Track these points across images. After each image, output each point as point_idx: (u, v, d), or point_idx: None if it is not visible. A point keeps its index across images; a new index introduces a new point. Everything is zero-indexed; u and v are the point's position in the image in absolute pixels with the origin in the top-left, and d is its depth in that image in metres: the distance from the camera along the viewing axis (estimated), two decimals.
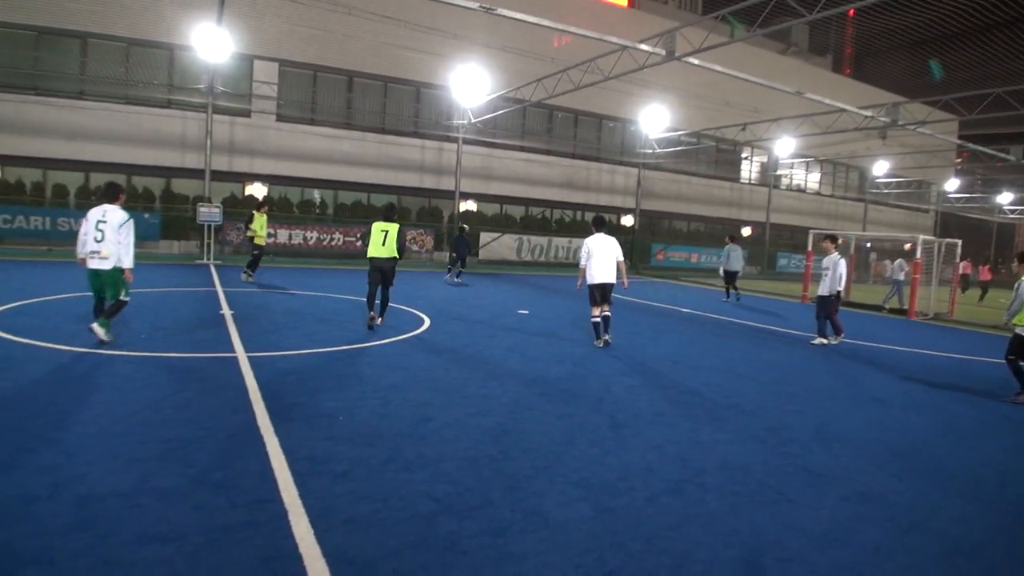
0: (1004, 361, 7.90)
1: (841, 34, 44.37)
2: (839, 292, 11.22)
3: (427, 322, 10.59)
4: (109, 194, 7.54)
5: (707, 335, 11.63)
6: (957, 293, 19.37)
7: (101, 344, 7.24)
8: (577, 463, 4.64)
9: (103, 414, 4.98)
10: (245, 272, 14.43)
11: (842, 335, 11.39)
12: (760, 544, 3.59)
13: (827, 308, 11.21)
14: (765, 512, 4.02)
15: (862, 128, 25.07)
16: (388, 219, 9.83)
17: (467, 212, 27.82)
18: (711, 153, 34.75)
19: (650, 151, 31.31)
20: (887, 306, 18.43)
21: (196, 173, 22.20)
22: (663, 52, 17.20)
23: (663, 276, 28.10)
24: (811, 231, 20.12)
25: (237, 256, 20.99)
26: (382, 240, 9.65)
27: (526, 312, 12.86)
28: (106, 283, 7.38)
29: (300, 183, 24.88)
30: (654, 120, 26.77)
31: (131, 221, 7.46)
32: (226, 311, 10.39)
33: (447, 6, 15.47)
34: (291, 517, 3.49)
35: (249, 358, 7.16)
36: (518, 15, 15.72)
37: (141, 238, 7.79)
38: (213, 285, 13.81)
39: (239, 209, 21.97)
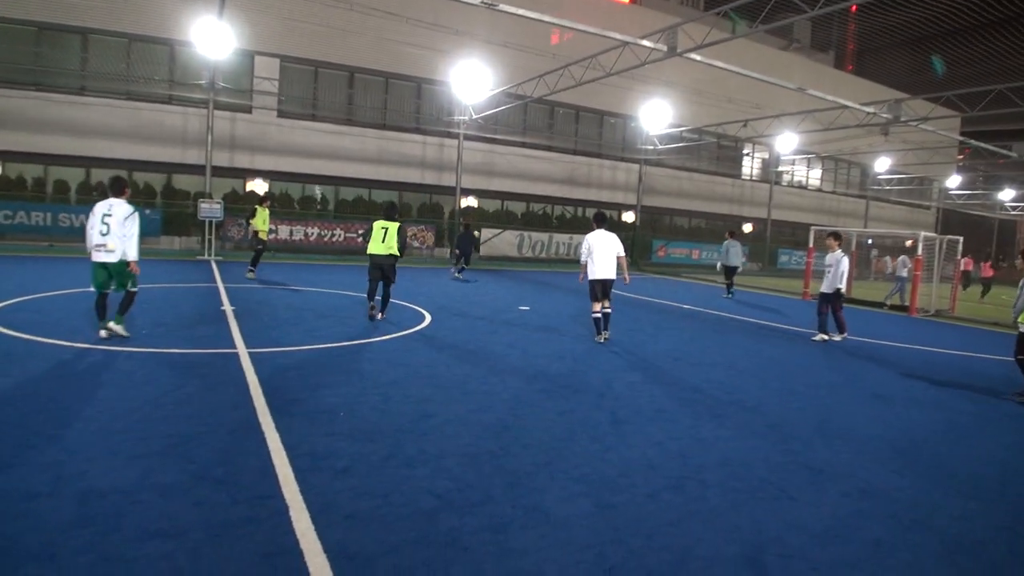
0: (1007, 359, 7.89)
1: (843, 30, 44.26)
2: (839, 289, 11.22)
3: (428, 318, 10.59)
4: (115, 188, 7.59)
5: (708, 331, 11.62)
6: (958, 290, 19.34)
7: (120, 340, 7.32)
8: (578, 459, 4.64)
9: (104, 410, 4.99)
10: (250, 270, 14.44)
11: (845, 333, 11.40)
12: (761, 541, 3.59)
13: (829, 304, 11.25)
14: (766, 509, 4.02)
15: (864, 124, 25.03)
16: (389, 218, 9.99)
17: (468, 208, 27.81)
18: (712, 149, 34.70)
19: (651, 147, 31.26)
20: (888, 303, 18.41)
21: (197, 169, 22.20)
22: (665, 48, 17.16)
23: (664, 272, 28.08)
24: (812, 227, 20.10)
25: (238, 252, 21.01)
26: (382, 237, 9.81)
27: (527, 308, 12.86)
28: (113, 276, 7.46)
29: (301, 179, 24.87)
30: (655, 116, 26.70)
31: (136, 214, 7.51)
32: (227, 307, 10.40)
33: (449, 2, 15.49)
34: (292, 513, 3.50)
35: (250, 354, 7.16)
36: (519, 11, 15.69)
37: (142, 234, 7.82)
38: (214, 281, 13.81)
39: (240, 205, 21.97)
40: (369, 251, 9.88)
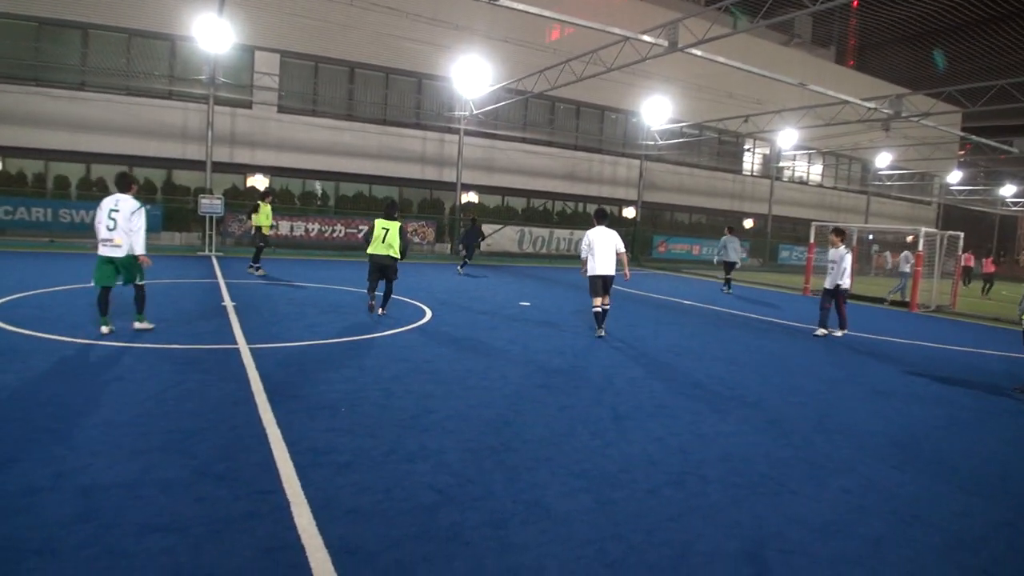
0: (1009, 354, 7.90)
1: (844, 25, 44.10)
2: (839, 285, 11.23)
3: (428, 314, 10.60)
4: (121, 184, 7.67)
5: (709, 327, 11.63)
6: (959, 286, 19.33)
7: (119, 336, 7.35)
8: (579, 455, 4.65)
9: (105, 405, 4.99)
10: (255, 267, 14.43)
11: (846, 329, 11.40)
12: (761, 536, 3.60)
13: (833, 300, 11.28)
14: (767, 504, 4.03)
15: (865, 120, 24.99)
16: (389, 216, 10.12)
17: (469, 204, 27.79)
18: (713, 145, 34.64)
19: (652, 143, 31.22)
20: (890, 298, 18.39)
21: (197, 164, 22.17)
22: (665, 43, 17.13)
23: (665, 268, 28.07)
24: (813, 223, 20.08)
25: (239, 248, 21.01)
26: (383, 238, 9.92)
27: (528, 304, 12.86)
28: (120, 270, 7.52)
29: (301, 175, 24.85)
30: (656, 112, 26.69)
31: (142, 209, 7.58)
32: (228, 303, 10.40)
33: None
34: (293, 508, 3.50)
35: (251, 350, 7.17)
36: (520, 5, 15.66)
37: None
38: (215, 277, 13.81)
39: (240, 201, 21.96)
40: (369, 251, 9.98)
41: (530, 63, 24.35)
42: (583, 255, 9.66)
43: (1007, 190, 42.00)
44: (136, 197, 7.63)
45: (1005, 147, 30.48)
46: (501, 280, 17.71)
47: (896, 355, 10.03)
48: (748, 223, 37.42)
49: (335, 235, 23.28)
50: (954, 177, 41.56)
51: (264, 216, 14.57)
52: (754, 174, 37.86)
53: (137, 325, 7.74)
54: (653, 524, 3.65)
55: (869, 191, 42.51)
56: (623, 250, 9.59)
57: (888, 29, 38.93)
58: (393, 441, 4.65)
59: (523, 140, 28.87)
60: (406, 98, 26.45)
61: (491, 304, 12.52)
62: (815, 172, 41.16)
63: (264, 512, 3.45)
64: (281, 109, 24.02)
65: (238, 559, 2.98)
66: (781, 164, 38.14)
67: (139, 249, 7.46)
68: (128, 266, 7.52)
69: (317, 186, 25.52)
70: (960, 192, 44.23)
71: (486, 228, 25.99)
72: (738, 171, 37.07)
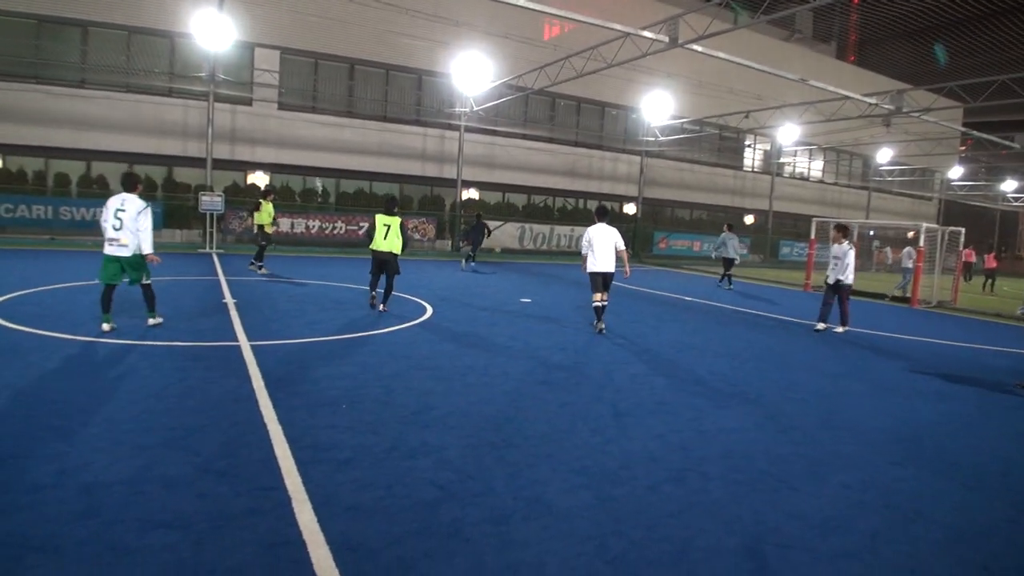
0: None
1: (845, 21, 43.97)
2: (840, 280, 11.23)
3: (429, 310, 10.60)
4: (127, 183, 7.71)
5: (710, 323, 11.63)
6: (960, 281, 19.31)
7: (119, 334, 7.37)
8: (579, 451, 4.65)
9: (107, 402, 5.00)
10: (258, 265, 14.43)
11: (848, 326, 11.40)
12: (761, 531, 3.60)
13: (836, 295, 11.29)
14: (767, 500, 4.04)
15: (866, 115, 24.93)
16: (389, 212, 10.19)
17: (470, 200, 27.78)
18: (714, 141, 34.60)
19: (653, 139, 31.19)
20: (896, 293, 18.36)
21: (198, 162, 22.17)
22: (666, 39, 17.10)
23: (665, 264, 28.07)
24: (814, 219, 20.06)
25: (239, 245, 21.02)
26: (384, 234, 10.03)
27: (528, 300, 12.86)
28: (127, 269, 7.58)
29: (302, 171, 24.85)
30: (657, 108, 26.67)
31: (148, 209, 7.62)
32: (229, 300, 10.41)
33: None
34: (295, 504, 3.51)
35: (252, 347, 7.18)
36: (520, 1, 15.63)
37: None
38: (216, 274, 13.83)
39: (241, 198, 21.99)
40: (372, 247, 10.10)
41: (530, 59, 24.31)
42: (584, 252, 9.73)
43: (1008, 185, 41.92)
44: (141, 196, 7.67)
45: (1006, 142, 30.44)
46: (502, 276, 17.71)
47: (897, 351, 10.03)
48: (749, 219, 37.40)
49: (336, 232, 23.29)
50: (955, 173, 41.49)
51: (266, 214, 14.56)
52: (755, 170, 37.82)
53: (151, 321, 7.87)
54: (654, 520, 3.65)
55: (870, 187, 42.46)
56: (623, 248, 9.62)
57: (889, 24, 38.82)
58: (394, 438, 4.66)
59: (524, 136, 28.85)
60: (406, 94, 26.43)
61: (492, 300, 12.52)
62: (816, 168, 41.11)
63: (266, 508, 3.46)
64: (281, 106, 24.00)
65: (240, 555, 2.99)
66: (782, 160, 38.10)
67: (147, 249, 7.54)
68: (134, 266, 7.56)
69: (318, 183, 25.52)
70: (961, 188, 44.16)
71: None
72: (739, 167, 37.04)
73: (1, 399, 4.94)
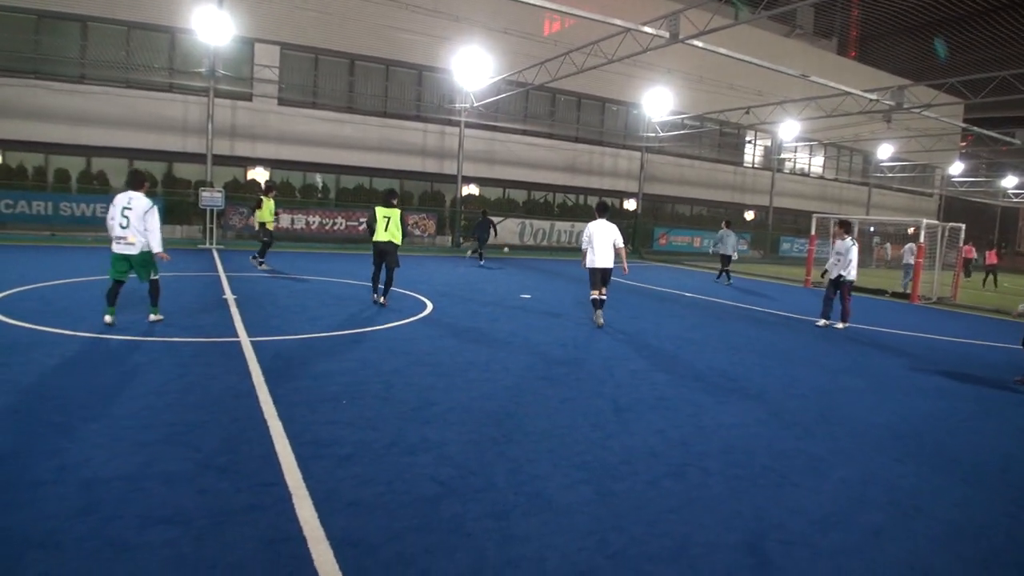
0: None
1: (846, 16, 43.88)
2: (841, 275, 11.23)
3: (430, 306, 10.60)
4: (134, 182, 7.76)
5: (710, 319, 11.62)
6: (961, 277, 19.30)
7: (119, 330, 7.37)
8: (580, 447, 4.65)
9: (107, 399, 5.00)
10: (259, 261, 14.41)
11: (848, 322, 11.40)
12: (762, 527, 3.61)
13: (837, 291, 11.30)
14: (767, 495, 4.04)
15: (867, 111, 24.93)
16: (388, 204, 10.29)
17: (470, 196, 27.75)
18: (714, 137, 34.55)
19: (653, 135, 31.14)
20: (902, 290, 18.35)
21: (198, 157, 22.14)
22: (667, 34, 17.06)
23: (666, 260, 28.06)
24: (814, 215, 20.04)
25: (239, 241, 21.01)
26: (384, 226, 10.12)
27: (529, 296, 12.85)
28: (135, 266, 7.64)
29: (302, 167, 24.81)
30: (657, 103, 26.60)
31: (155, 208, 7.68)
32: (229, 296, 10.41)
33: None
34: (295, 500, 3.51)
35: (252, 342, 7.18)
36: None
37: None
38: (216, 270, 13.82)
39: (241, 194, 21.97)
40: (374, 239, 10.18)
41: (531, 55, 24.26)
42: (584, 247, 9.80)
43: (1009, 181, 41.89)
44: (147, 195, 7.71)
45: (1007, 138, 30.41)
46: (502, 272, 17.70)
47: (898, 347, 10.03)
48: (749, 215, 37.37)
49: (336, 228, 23.28)
50: (956, 169, 41.44)
51: (267, 211, 14.53)
52: (755, 166, 37.78)
53: (152, 317, 7.91)
54: (654, 516, 3.66)
55: (870, 183, 42.40)
56: (621, 244, 9.70)
57: (890, 20, 38.78)
58: (395, 433, 4.66)
59: (524, 132, 28.79)
60: (406, 90, 26.37)
61: (492, 296, 12.52)
62: (816, 164, 41.06)
63: (266, 504, 3.46)
64: (281, 102, 23.95)
65: (240, 551, 2.99)
66: (782, 156, 38.05)
67: (157, 247, 7.63)
68: (142, 263, 7.64)
69: (318, 179, 25.48)
70: (962, 184, 44.12)
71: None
72: (739, 163, 37.00)
73: (1, 395, 4.94)
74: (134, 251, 7.50)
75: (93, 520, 3.18)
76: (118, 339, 6.97)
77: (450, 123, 26.64)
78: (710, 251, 18.98)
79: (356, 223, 23.03)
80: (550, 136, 29.66)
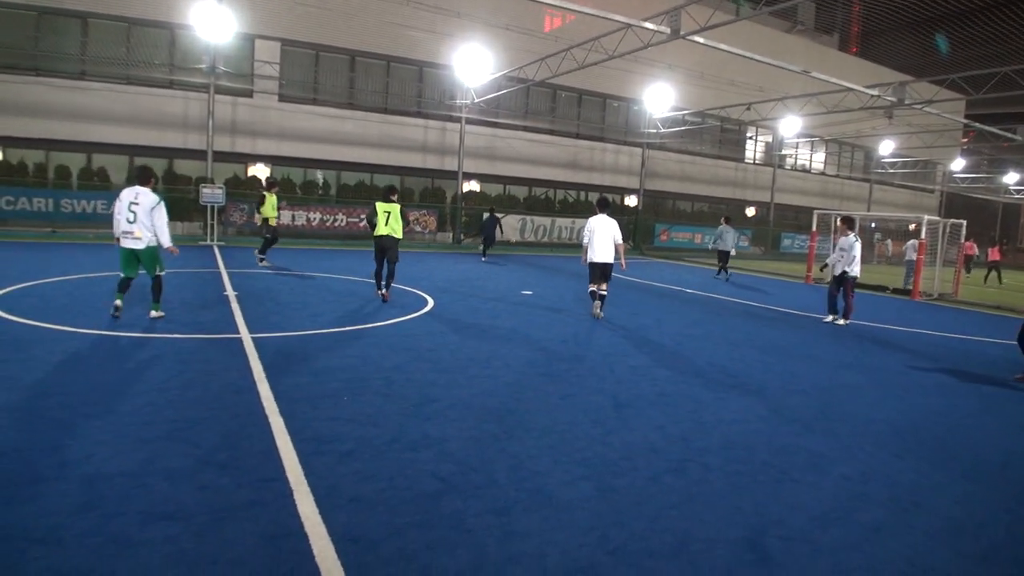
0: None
1: (848, 12, 43.75)
2: (845, 272, 11.23)
3: (431, 302, 10.60)
4: (141, 177, 7.88)
5: (711, 315, 11.62)
6: (962, 274, 19.29)
7: (122, 328, 7.37)
8: (580, 443, 4.66)
9: (109, 395, 5.01)
10: (260, 257, 14.40)
11: (849, 319, 11.40)
12: (762, 523, 3.61)
13: (839, 287, 11.31)
14: (768, 491, 4.04)
15: (868, 107, 24.85)
16: (388, 200, 10.43)
17: (470, 192, 27.73)
18: (715, 133, 34.48)
19: (654, 131, 31.08)
20: (906, 287, 18.33)
21: (198, 154, 22.13)
22: (668, 30, 17.02)
23: (667, 257, 28.04)
24: (816, 211, 20.02)
25: (240, 237, 21.02)
26: (385, 220, 10.27)
27: (530, 292, 12.86)
28: (142, 260, 7.73)
29: (303, 164, 24.79)
30: (658, 99, 26.55)
31: (162, 204, 7.78)
32: (230, 292, 10.42)
33: None
34: (296, 496, 3.52)
35: (253, 339, 7.19)
36: None
37: None
38: (217, 266, 13.82)
39: (242, 190, 21.96)
40: (375, 234, 10.33)
41: (532, 51, 24.23)
42: (584, 242, 9.91)
43: (1010, 178, 41.84)
44: (154, 190, 7.75)
45: (1009, 135, 30.30)
46: (503, 268, 17.70)
47: (898, 343, 10.03)
48: (750, 211, 37.33)
49: (337, 224, 23.27)
50: (957, 165, 41.40)
51: (270, 207, 14.51)
52: (756, 162, 37.74)
53: (153, 314, 7.94)
54: (654, 511, 3.66)
55: (872, 179, 42.35)
56: (620, 241, 9.84)
57: (891, 15, 38.63)
58: (396, 429, 4.67)
59: (525, 128, 28.75)
60: (407, 86, 26.35)
61: (493, 292, 12.52)
62: (817, 160, 41.00)
63: (267, 500, 3.47)
64: (282, 98, 23.94)
65: (241, 547, 3.00)
66: (783, 152, 38.01)
67: (166, 242, 7.73)
68: (149, 258, 7.71)
69: (319, 175, 25.47)
70: (963, 180, 44.06)
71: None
72: (740, 159, 36.95)
73: (3, 392, 4.94)
74: (140, 245, 7.58)
75: (95, 516, 3.19)
76: (120, 335, 6.98)
77: (451, 119, 26.60)
78: (709, 247, 18.99)
79: (357, 219, 23.00)
80: (551, 132, 29.62)
